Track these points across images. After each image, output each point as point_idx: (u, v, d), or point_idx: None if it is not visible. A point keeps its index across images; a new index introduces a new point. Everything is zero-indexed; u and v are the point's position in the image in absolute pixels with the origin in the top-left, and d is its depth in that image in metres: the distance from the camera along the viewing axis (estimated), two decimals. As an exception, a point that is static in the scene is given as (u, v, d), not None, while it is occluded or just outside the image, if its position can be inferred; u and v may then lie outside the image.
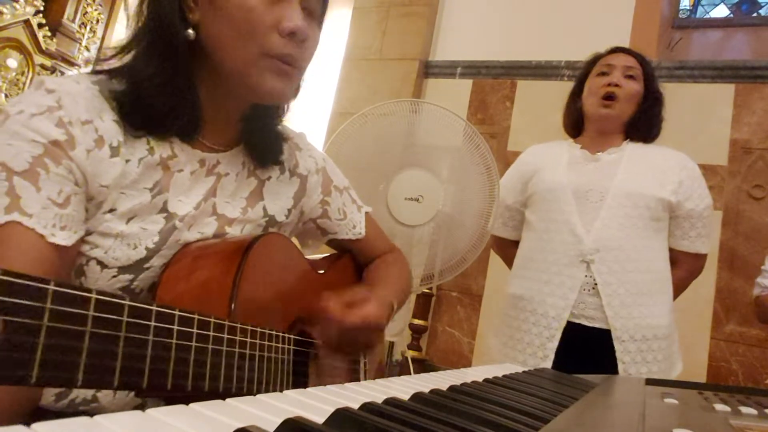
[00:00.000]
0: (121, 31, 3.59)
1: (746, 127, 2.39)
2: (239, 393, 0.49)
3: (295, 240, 0.91)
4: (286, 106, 0.81)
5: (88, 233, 0.62)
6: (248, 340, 0.52)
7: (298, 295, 0.74)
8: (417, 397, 0.38)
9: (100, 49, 3.43)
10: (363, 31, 3.16)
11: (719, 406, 0.47)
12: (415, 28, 3.03)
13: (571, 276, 1.38)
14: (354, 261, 0.95)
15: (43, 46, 3.09)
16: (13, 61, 3.01)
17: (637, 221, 1.39)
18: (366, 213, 0.95)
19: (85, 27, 3.37)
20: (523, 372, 0.65)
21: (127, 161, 0.64)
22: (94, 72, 0.68)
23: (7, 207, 0.54)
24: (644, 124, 1.50)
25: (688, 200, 1.43)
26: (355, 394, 0.38)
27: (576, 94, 1.59)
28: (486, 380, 0.52)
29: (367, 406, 0.32)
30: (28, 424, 0.21)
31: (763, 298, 1.63)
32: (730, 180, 2.37)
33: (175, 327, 0.42)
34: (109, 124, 0.63)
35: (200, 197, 0.71)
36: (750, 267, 2.20)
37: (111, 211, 0.63)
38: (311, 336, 0.74)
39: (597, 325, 1.36)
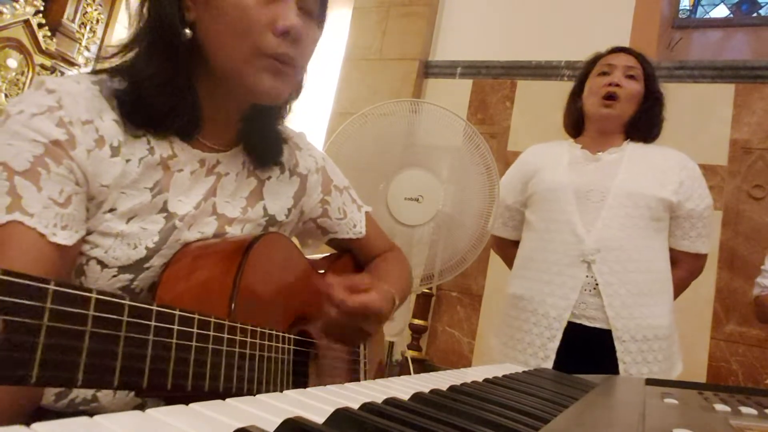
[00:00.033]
0: (121, 31, 3.60)
1: (746, 127, 2.39)
2: (239, 393, 0.49)
3: (295, 239, 0.91)
4: (288, 107, 0.80)
5: (89, 233, 0.62)
6: (248, 339, 0.52)
7: (298, 295, 0.74)
8: (417, 397, 0.38)
9: (100, 49, 3.43)
10: (363, 31, 3.16)
11: (719, 406, 0.47)
12: (415, 28, 3.03)
13: (572, 276, 1.38)
14: (354, 261, 0.95)
15: (43, 46, 3.09)
16: (13, 61, 3.02)
17: (638, 221, 1.39)
18: (366, 212, 0.96)
19: (85, 27, 3.38)
20: (523, 372, 0.65)
21: (128, 161, 0.64)
22: (95, 72, 0.68)
23: (9, 207, 0.54)
24: (645, 124, 1.51)
25: (688, 200, 1.43)
26: (355, 394, 0.38)
27: (576, 94, 1.59)
28: (486, 380, 0.52)
29: (367, 406, 0.32)
30: (28, 424, 0.21)
31: (762, 298, 1.63)
32: (730, 180, 2.37)
33: (175, 327, 0.42)
34: (109, 124, 0.63)
35: (200, 197, 0.71)
36: (750, 267, 2.20)
37: (111, 210, 0.63)
38: (311, 336, 0.74)
39: (598, 325, 1.36)
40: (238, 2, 0.63)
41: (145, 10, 0.67)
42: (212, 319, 0.46)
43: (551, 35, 2.80)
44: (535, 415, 0.37)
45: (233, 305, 0.58)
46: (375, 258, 0.96)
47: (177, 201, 0.69)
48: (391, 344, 2.03)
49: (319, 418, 0.29)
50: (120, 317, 0.37)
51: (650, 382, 0.68)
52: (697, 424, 0.39)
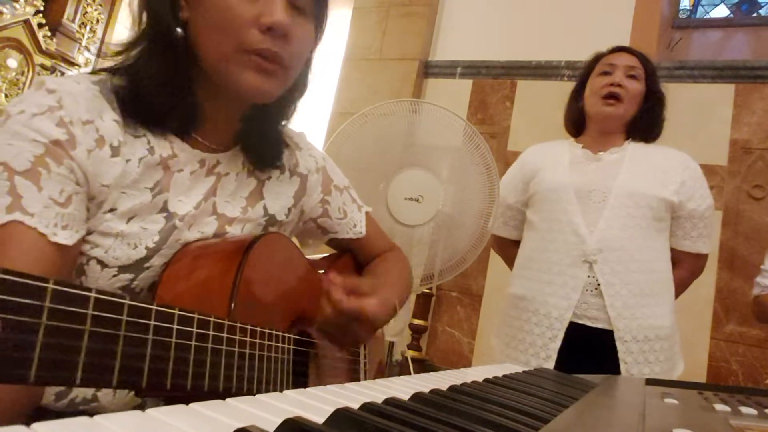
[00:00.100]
0: (121, 31, 3.60)
1: (746, 127, 2.39)
2: (239, 393, 0.49)
3: (295, 239, 0.91)
4: (293, 107, 0.79)
5: (89, 233, 0.62)
6: (248, 339, 0.52)
7: (298, 295, 0.74)
8: (417, 397, 0.38)
9: (100, 49, 3.43)
10: (363, 31, 3.16)
11: (719, 406, 0.47)
12: (415, 28, 3.03)
13: (573, 276, 1.38)
14: (354, 261, 0.95)
15: (43, 46, 3.09)
16: (13, 61, 3.02)
17: (640, 221, 1.39)
18: (366, 212, 0.95)
19: (85, 27, 3.38)
20: (523, 372, 0.65)
21: (128, 161, 0.64)
22: (95, 72, 0.68)
23: (9, 206, 0.54)
24: (646, 124, 1.51)
25: (690, 200, 1.43)
26: (355, 394, 0.38)
27: (577, 93, 1.59)
28: (486, 380, 0.52)
29: (367, 406, 0.32)
30: (28, 424, 0.21)
31: (762, 298, 1.63)
32: (730, 180, 2.37)
33: (175, 326, 0.42)
34: (109, 124, 0.63)
35: (200, 197, 0.71)
36: (750, 267, 2.19)
37: (111, 210, 0.63)
38: (311, 336, 0.74)
39: (599, 325, 1.36)
40: None
41: (141, 10, 0.67)
42: (212, 319, 0.46)
43: (551, 35, 2.80)
44: (535, 415, 0.37)
45: (233, 305, 0.58)
46: (375, 258, 0.96)
47: (177, 201, 0.69)
48: (391, 344, 2.03)
49: (319, 418, 0.29)
50: (119, 316, 0.37)
51: (650, 382, 0.68)
52: (697, 424, 0.39)
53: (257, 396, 0.33)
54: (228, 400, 0.31)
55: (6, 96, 3.00)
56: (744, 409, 0.46)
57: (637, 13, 2.67)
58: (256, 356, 0.53)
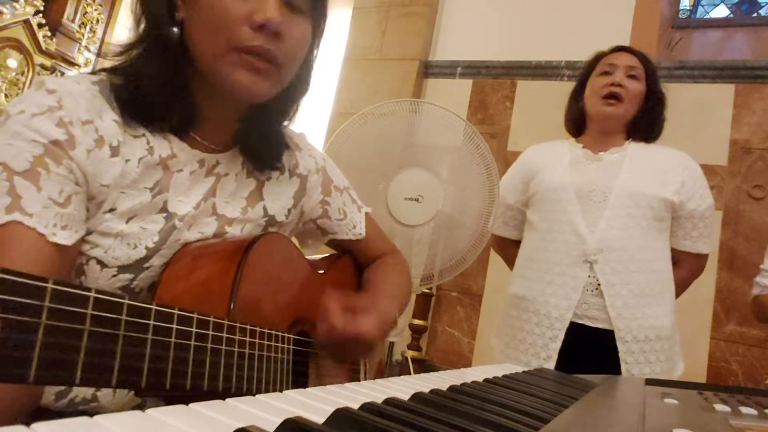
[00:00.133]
0: (121, 31, 3.60)
1: (746, 127, 2.39)
2: (239, 393, 0.49)
3: (294, 240, 0.90)
4: (294, 106, 0.78)
5: (88, 233, 0.62)
6: (247, 339, 0.52)
7: (297, 295, 0.74)
8: (417, 397, 0.38)
9: (100, 49, 3.43)
10: (363, 31, 3.16)
11: (719, 406, 0.47)
12: (415, 28, 3.03)
13: (574, 276, 1.38)
14: (354, 261, 0.95)
15: (43, 46, 3.09)
16: (13, 61, 3.02)
17: (641, 221, 1.39)
18: (366, 213, 0.95)
19: (85, 27, 3.38)
20: (523, 372, 0.65)
21: (127, 161, 0.64)
22: (95, 72, 0.68)
23: (8, 207, 0.54)
24: (646, 124, 1.51)
25: (690, 200, 1.43)
26: (355, 394, 0.38)
27: (578, 93, 1.59)
28: (486, 380, 0.52)
29: (367, 406, 0.32)
30: (28, 424, 0.21)
31: (762, 298, 1.63)
32: (730, 180, 2.36)
33: (174, 326, 0.42)
34: (109, 124, 0.63)
35: (200, 197, 0.71)
36: (750, 267, 2.19)
37: (111, 210, 0.63)
38: (310, 336, 0.74)
39: (600, 325, 1.36)
40: None
41: (138, 10, 0.67)
42: (211, 319, 0.46)
43: (551, 35, 2.80)
44: (535, 415, 0.37)
45: (232, 305, 0.58)
46: (375, 259, 0.96)
47: (177, 201, 0.69)
48: (391, 344, 2.03)
49: (319, 418, 0.29)
50: (118, 316, 0.37)
51: (650, 382, 0.68)
52: (697, 424, 0.39)
53: (257, 396, 0.33)
54: (228, 400, 0.31)
55: (6, 96, 3.00)
56: (744, 409, 0.46)
57: (637, 13, 2.67)
58: (256, 356, 0.53)
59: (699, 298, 2.21)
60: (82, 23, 3.36)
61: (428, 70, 3.02)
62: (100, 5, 3.44)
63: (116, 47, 0.68)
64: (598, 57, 1.57)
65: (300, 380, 0.70)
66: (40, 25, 3.07)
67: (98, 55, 3.33)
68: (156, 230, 0.66)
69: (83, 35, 3.35)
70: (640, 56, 1.52)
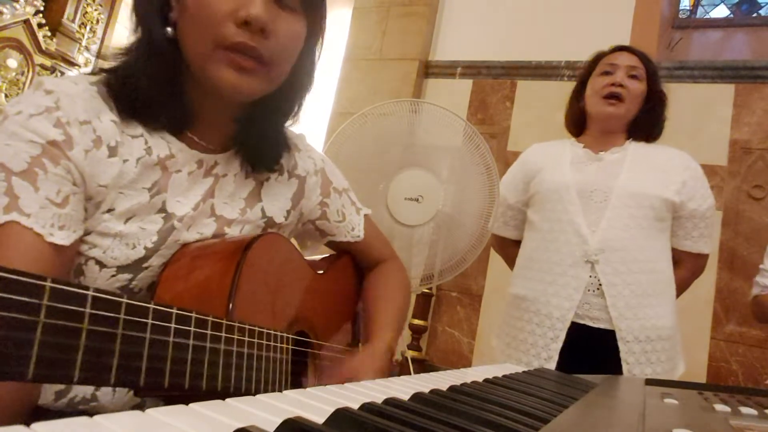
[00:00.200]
0: (121, 31, 3.60)
1: (746, 127, 2.39)
2: (237, 393, 0.49)
3: (294, 241, 0.90)
4: (296, 106, 0.77)
5: (87, 233, 0.62)
6: (246, 339, 0.52)
7: (296, 295, 0.74)
8: (417, 397, 0.38)
9: (100, 49, 3.43)
10: (363, 31, 3.16)
11: (719, 407, 0.47)
12: (415, 28, 3.03)
13: (575, 276, 1.38)
14: (353, 261, 0.95)
15: (43, 46, 3.09)
16: (13, 61, 3.02)
17: (642, 221, 1.39)
18: (365, 215, 0.95)
19: (85, 27, 3.38)
20: (523, 372, 0.65)
21: (125, 161, 0.64)
22: (93, 73, 0.68)
23: (6, 207, 0.54)
24: (647, 124, 1.50)
25: (691, 200, 1.43)
26: (355, 394, 0.38)
27: (578, 93, 1.59)
28: (486, 380, 0.52)
29: (367, 406, 0.32)
30: (27, 424, 0.21)
31: (762, 298, 1.63)
32: (730, 180, 2.36)
33: (173, 325, 0.42)
34: (107, 125, 0.63)
35: (198, 198, 0.71)
36: (750, 267, 2.19)
37: (109, 210, 0.63)
38: (310, 336, 0.74)
39: (601, 325, 1.36)
40: None
41: (133, 11, 0.67)
42: (210, 318, 0.46)
43: (551, 35, 2.80)
44: (535, 415, 0.37)
45: (231, 305, 0.58)
46: (373, 262, 0.95)
47: (175, 202, 0.69)
48: (391, 344, 2.03)
49: (319, 418, 0.29)
50: (117, 315, 0.37)
51: (650, 382, 0.68)
52: (697, 424, 0.39)
53: (257, 396, 0.33)
54: (228, 400, 0.31)
55: (6, 96, 3.00)
56: (744, 410, 0.46)
57: (637, 13, 2.67)
58: (255, 356, 0.53)
59: (699, 298, 2.21)
60: (82, 23, 3.36)
61: (428, 70, 3.02)
62: (100, 5, 3.44)
63: (115, 50, 0.68)
64: (599, 57, 1.57)
65: (299, 380, 0.69)
66: (40, 25, 3.08)
67: (98, 55, 3.33)
68: (155, 230, 0.66)
69: (83, 35, 3.35)
70: (641, 56, 1.52)
